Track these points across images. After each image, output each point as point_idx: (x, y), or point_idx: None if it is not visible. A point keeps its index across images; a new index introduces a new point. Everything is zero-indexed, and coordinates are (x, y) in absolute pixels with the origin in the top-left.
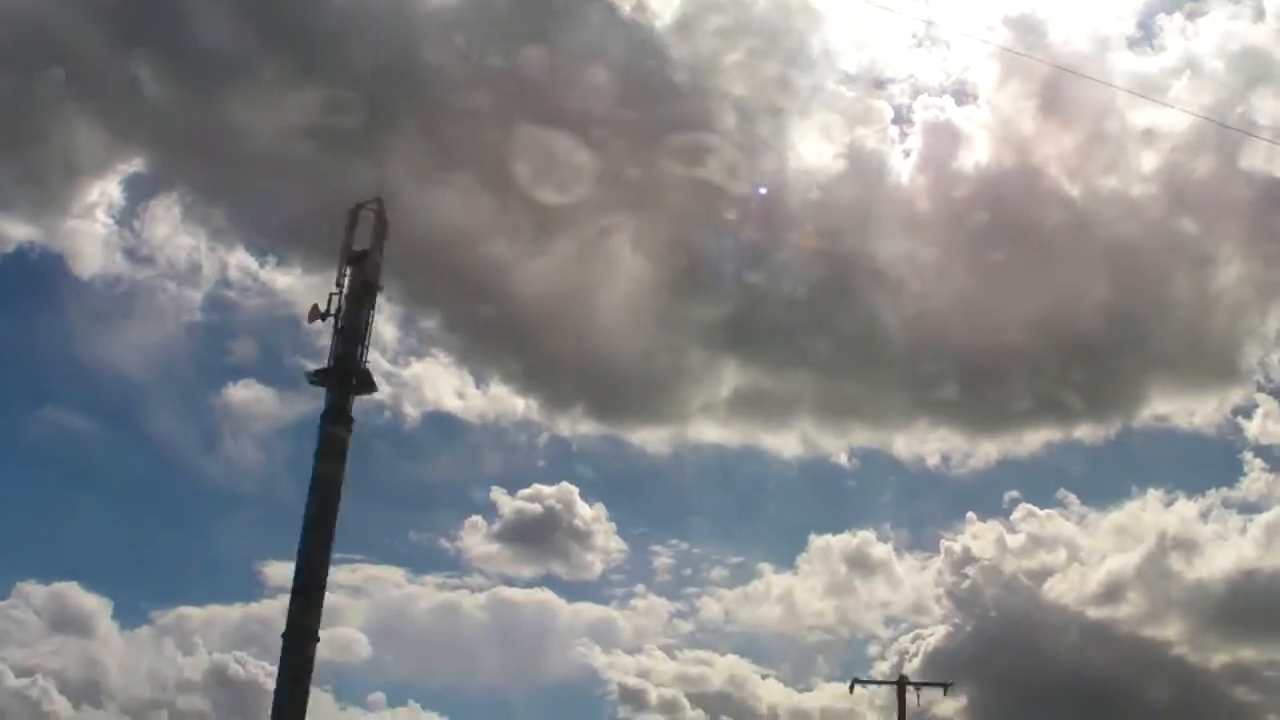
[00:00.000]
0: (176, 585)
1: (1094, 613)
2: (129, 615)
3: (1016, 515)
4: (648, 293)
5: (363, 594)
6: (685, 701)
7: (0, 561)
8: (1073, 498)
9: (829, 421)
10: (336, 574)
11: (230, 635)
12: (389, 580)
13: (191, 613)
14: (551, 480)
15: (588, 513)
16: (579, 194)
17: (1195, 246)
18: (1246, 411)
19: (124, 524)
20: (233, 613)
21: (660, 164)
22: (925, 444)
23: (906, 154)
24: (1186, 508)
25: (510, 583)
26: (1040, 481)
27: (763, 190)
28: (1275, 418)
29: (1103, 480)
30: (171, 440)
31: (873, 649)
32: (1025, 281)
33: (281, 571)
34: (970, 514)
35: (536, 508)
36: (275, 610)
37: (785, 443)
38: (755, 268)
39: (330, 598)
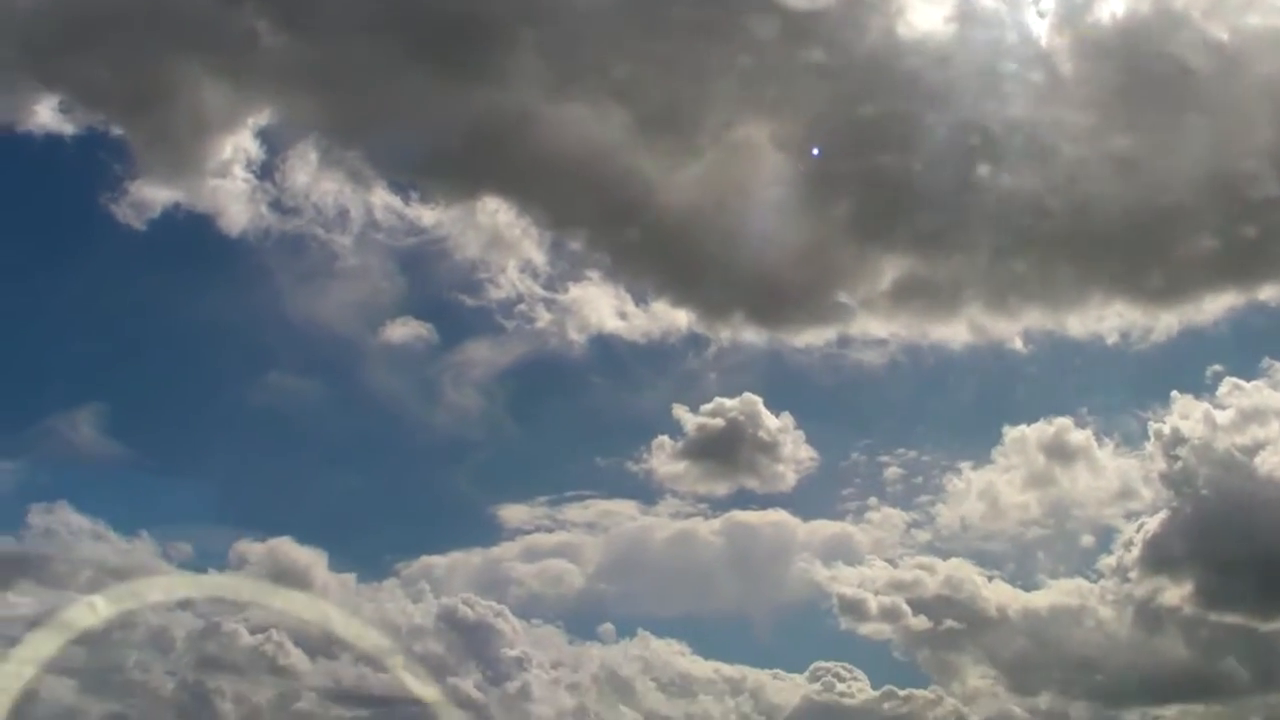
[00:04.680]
0: (416, 537)
1: None
2: (373, 569)
3: (1222, 390)
4: (792, 190)
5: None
6: (906, 608)
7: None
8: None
9: (996, 305)
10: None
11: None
12: (618, 513)
13: (435, 561)
14: (729, 392)
15: (774, 423)
16: (710, 98)
17: None
18: None
19: (351, 482)
20: (473, 558)
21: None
22: (1102, 321)
23: (1041, 15)
24: None
25: (702, 501)
26: (1232, 351)
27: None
28: None
29: None
30: (370, 391)
31: (1086, 540)
32: (1182, 135)
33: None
34: (1174, 392)
35: (720, 422)
36: (514, 553)
37: (954, 332)
38: (898, 151)
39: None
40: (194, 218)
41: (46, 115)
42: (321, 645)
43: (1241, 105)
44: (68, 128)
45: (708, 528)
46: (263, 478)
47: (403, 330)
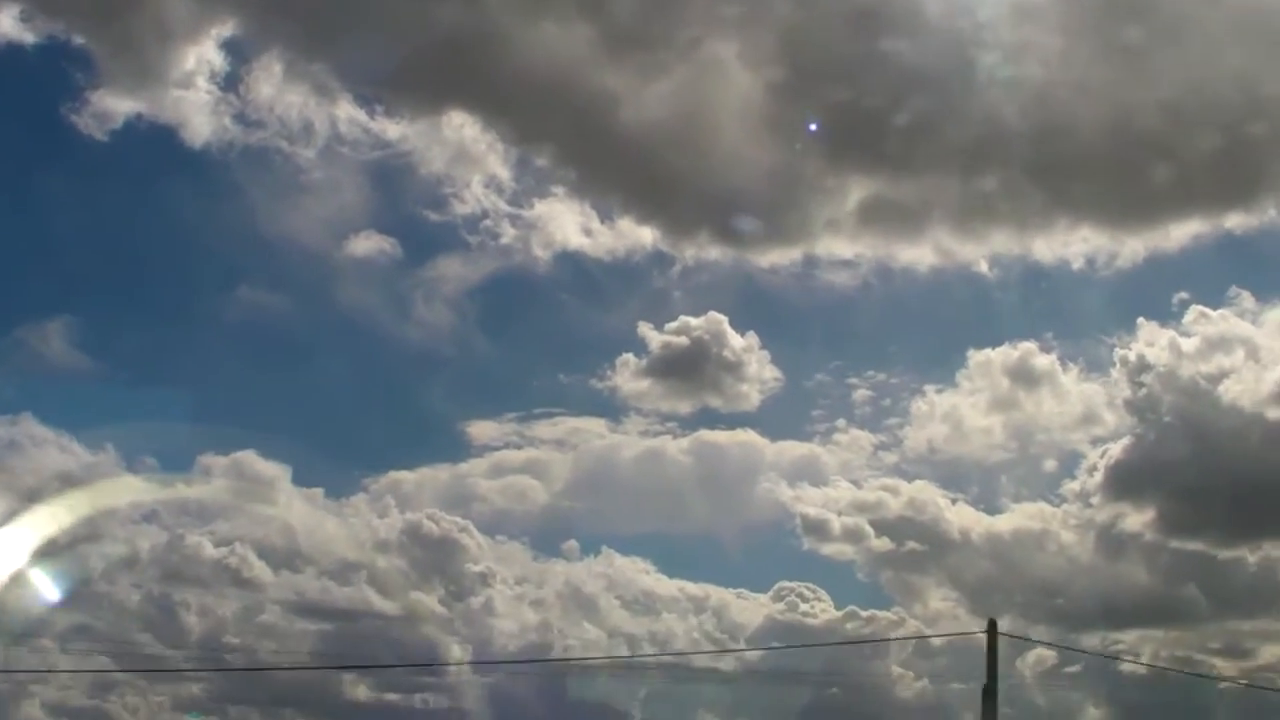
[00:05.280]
0: (384, 453)
1: (1275, 413)
2: (342, 484)
3: (1188, 318)
4: (759, 108)
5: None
6: (869, 529)
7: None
8: (1246, 294)
9: (963, 228)
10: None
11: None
12: (587, 430)
13: (403, 477)
14: (694, 311)
15: (739, 342)
16: (678, 15)
17: None
18: None
19: (317, 396)
20: (441, 474)
21: None
22: (1068, 246)
23: None
24: None
25: (668, 420)
26: (1199, 278)
27: None
28: None
29: (1264, 273)
30: (334, 305)
31: (1049, 464)
32: (1152, 61)
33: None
34: (1140, 319)
35: (684, 341)
36: (482, 469)
37: (920, 254)
38: (866, 71)
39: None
40: (156, 129)
41: (7, 24)
42: (286, 559)
43: (1213, 31)
44: (28, 36)
45: (676, 446)
46: (228, 391)
47: (366, 245)
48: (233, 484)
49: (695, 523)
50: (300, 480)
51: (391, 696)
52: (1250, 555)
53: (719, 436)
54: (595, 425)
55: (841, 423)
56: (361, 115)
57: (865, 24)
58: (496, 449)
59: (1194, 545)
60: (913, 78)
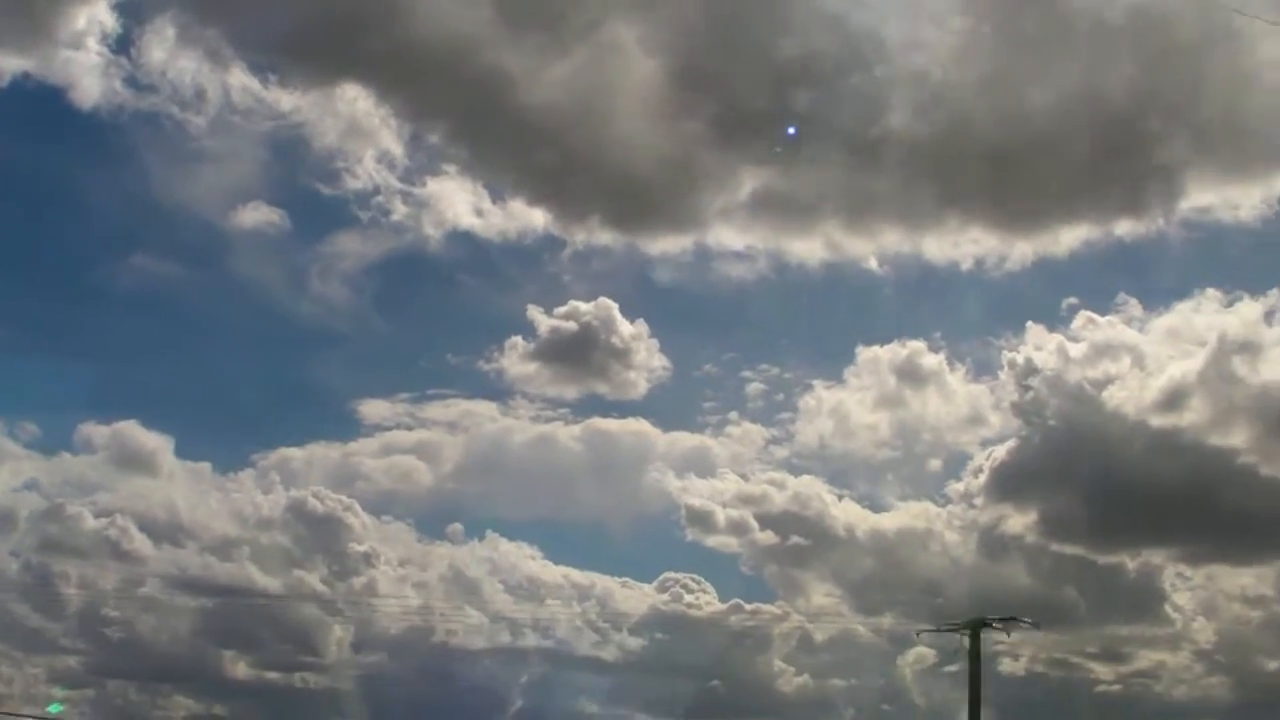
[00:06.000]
0: (272, 429)
1: (1158, 421)
2: (230, 458)
3: (1076, 323)
4: (655, 94)
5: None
6: (754, 523)
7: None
8: (1134, 302)
9: (853, 223)
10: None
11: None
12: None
13: (292, 454)
14: (584, 296)
15: (628, 329)
16: None
17: (1228, 19)
18: None
19: (202, 368)
20: (331, 452)
21: None
22: (958, 246)
23: None
24: (1249, 308)
25: (559, 405)
26: (1087, 284)
27: None
28: None
29: (1151, 281)
30: (218, 276)
31: (934, 464)
32: (1047, 65)
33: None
34: (1029, 322)
35: (573, 325)
36: (372, 448)
37: (811, 248)
38: (763, 61)
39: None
40: (45, 89)
41: None
42: (167, 532)
43: (1107, 38)
44: None
45: (567, 433)
46: (111, 359)
47: (255, 216)
48: (114, 454)
49: (583, 510)
50: (185, 453)
51: (271, 675)
52: (1130, 561)
53: (610, 425)
54: (487, 409)
55: (734, 415)
56: (255, 84)
57: (764, 15)
58: (388, 429)
59: (1074, 549)
60: (810, 69)
